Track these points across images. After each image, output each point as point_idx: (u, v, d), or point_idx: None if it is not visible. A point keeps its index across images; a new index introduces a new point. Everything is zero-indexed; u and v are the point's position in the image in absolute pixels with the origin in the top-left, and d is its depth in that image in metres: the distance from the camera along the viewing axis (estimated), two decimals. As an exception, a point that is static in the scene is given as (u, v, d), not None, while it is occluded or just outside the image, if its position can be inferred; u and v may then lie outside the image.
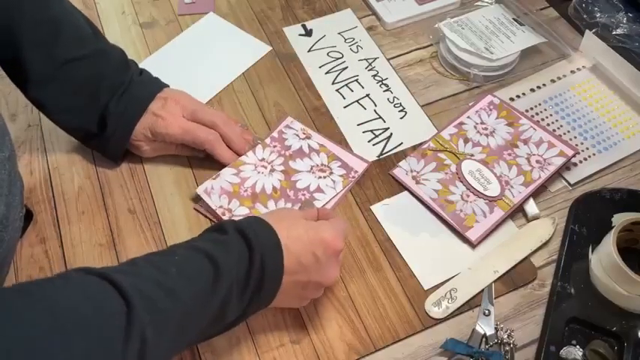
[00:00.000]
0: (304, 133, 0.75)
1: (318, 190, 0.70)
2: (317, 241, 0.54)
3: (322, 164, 0.72)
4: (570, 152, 0.72)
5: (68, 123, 0.69)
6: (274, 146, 0.73)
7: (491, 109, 0.77)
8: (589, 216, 0.67)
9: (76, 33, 0.66)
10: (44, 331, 0.38)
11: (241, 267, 0.49)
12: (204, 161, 0.72)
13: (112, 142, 0.69)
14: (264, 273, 0.50)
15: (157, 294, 0.44)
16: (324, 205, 0.69)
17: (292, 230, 0.53)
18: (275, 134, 0.75)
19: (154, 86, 0.70)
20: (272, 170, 0.71)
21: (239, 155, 0.71)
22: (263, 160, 0.72)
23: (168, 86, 0.72)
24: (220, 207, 0.67)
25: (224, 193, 0.68)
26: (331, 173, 0.71)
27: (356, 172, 0.72)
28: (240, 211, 0.67)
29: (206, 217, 0.68)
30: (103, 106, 0.67)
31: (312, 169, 0.72)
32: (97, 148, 0.72)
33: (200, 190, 0.68)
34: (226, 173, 0.70)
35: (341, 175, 0.71)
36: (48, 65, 0.64)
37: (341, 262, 0.58)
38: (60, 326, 0.38)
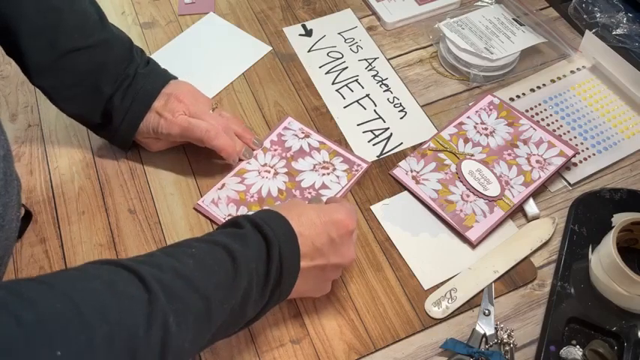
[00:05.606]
0: (303, 132, 0.75)
1: (324, 186, 0.70)
2: (329, 222, 0.54)
3: (324, 161, 0.72)
4: (570, 152, 0.72)
5: (72, 111, 0.69)
6: (275, 149, 0.73)
7: (491, 109, 0.77)
8: (589, 216, 0.67)
9: (80, 22, 0.65)
10: (64, 318, 0.37)
11: (260, 262, 0.49)
12: (204, 161, 0.72)
13: (120, 134, 0.69)
14: (282, 264, 0.50)
15: (176, 283, 0.43)
16: None
17: (303, 216, 0.54)
18: (275, 137, 0.75)
19: (159, 81, 0.69)
20: (275, 174, 0.71)
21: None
22: (265, 164, 0.72)
23: (175, 78, 0.71)
24: (229, 215, 0.67)
25: (231, 202, 0.69)
26: (334, 169, 0.72)
27: (359, 165, 0.72)
28: None
29: (206, 217, 0.68)
30: (106, 97, 0.67)
31: (314, 167, 0.72)
32: (107, 138, 0.72)
33: (207, 201, 0.68)
34: (231, 182, 0.70)
35: (344, 170, 0.71)
36: (48, 55, 0.64)
37: (355, 243, 0.58)
38: (80, 312, 0.37)
